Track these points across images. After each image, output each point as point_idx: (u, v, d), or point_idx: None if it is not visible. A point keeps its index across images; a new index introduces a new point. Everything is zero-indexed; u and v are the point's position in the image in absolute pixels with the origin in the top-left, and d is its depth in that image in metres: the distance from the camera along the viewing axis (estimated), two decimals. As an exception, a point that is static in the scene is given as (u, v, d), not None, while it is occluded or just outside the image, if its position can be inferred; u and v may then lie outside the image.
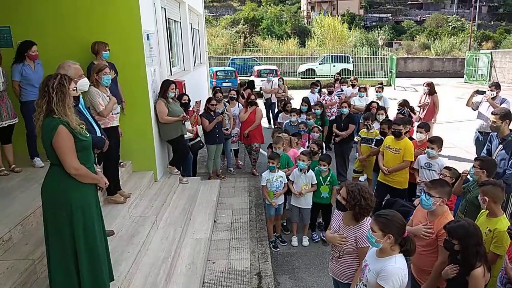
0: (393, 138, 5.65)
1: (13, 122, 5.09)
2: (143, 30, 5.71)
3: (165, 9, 8.14)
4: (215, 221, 5.85)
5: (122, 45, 5.64)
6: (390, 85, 23.97)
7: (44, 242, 3.04)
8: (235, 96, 8.50)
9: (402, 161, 5.49)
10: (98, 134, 4.00)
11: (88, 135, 3.01)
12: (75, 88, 3.06)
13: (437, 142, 5.35)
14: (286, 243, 5.62)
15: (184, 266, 4.49)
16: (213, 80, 18.84)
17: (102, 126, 4.64)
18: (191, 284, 4.20)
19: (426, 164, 5.41)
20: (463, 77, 25.93)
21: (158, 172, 6.27)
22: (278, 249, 5.46)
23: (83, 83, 3.72)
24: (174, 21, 9.54)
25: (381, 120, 6.65)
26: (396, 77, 24.50)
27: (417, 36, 44.07)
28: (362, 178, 7.36)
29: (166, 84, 6.18)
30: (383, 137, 6.10)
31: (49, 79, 2.85)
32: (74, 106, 3.02)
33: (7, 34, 5.58)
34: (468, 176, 4.50)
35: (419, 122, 7.01)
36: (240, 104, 8.51)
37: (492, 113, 5.23)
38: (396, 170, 5.51)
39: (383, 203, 5.33)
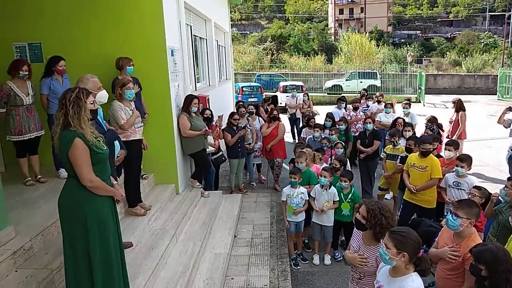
0: (417, 156, 5.46)
1: (40, 134, 5.21)
2: (167, 46, 5.80)
3: (190, 26, 8.27)
4: (235, 236, 5.78)
5: (147, 61, 5.74)
6: (419, 102, 23.54)
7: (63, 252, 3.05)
8: (253, 110, 8.44)
9: (430, 179, 5.29)
10: (118, 147, 4.05)
11: (105, 148, 3.02)
12: (92, 102, 3.10)
13: (466, 160, 5.14)
14: (307, 261, 5.48)
15: (202, 281, 4.42)
16: (239, 95, 18.98)
17: (124, 139, 4.73)
18: (208, 300, 4.13)
19: (454, 183, 5.20)
20: (495, 94, 25.17)
21: (180, 185, 6.29)
22: (298, 267, 5.33)
23: (102, 95, 3.79)
24: (200, 38, 9.68)
25: (407, 137, 6.47)
26: (425, 93, 24.03)
27: (447, 53, 43.27)
28: (388, 196, 7.16)
29: (189, 99, 6.24)
30: (408, 154, 5.92)
31: (68, 92, 2.90)
32: (92, 119, 3.05)
33: (38, 50, 5.80)
34: (500, 197, 4.29)
35: (448, 140, 6.78)
36: (260, 119, 8.51)
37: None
38: (425, 188, 5.31)
39: (409, 222, 5.14)
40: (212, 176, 7.07)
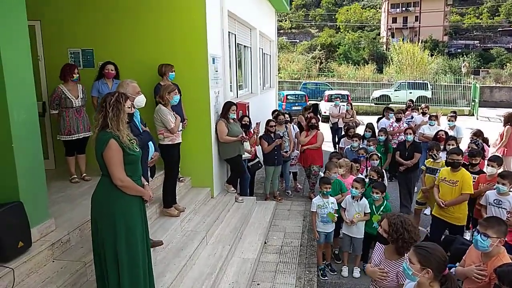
0: (448, 170, 5.27)
1: (88, 135, 5.55)
2: (209, 54, 6.02)
3: (235, 34, 8.49)
4: (265, 243, 5.83)
5: (188, 68, 5.99)
6: (473, 115, 22.45)
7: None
8: (286, 119, 8.37)
9: (460, 194, 5.10)
10: (152, 149, 4.27)
11: (138, 150, 3.20)
12: (130, 106, 3.30)
13: (508, 177, 4.87)
14: (335, 273, 5.42)
15: (228, 285, 4.51)
16: (283, 103, 19.07)
17: (170, 143, 4.98)
18: (232, 303, 4.22)
19: (495, 201, 4.94)
20: (559, 109, 23.48)
21: (215, 189, 6.46)
22: (326, 278, 5.29)
23: (140, 100, 3.99)
24: (244, 46, 9.88)
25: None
26: (480, 106, 22.87)
27: (507, 64, 40.95)
28: (427, 211, 6.92)
29: (227, 105, 6.42)
30: (448, 168, 5.72)
31: (108, 96, 3.11)
32: (128, 122, 3.25)
33: (90, 56, 6.22)
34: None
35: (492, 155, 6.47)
36: (295, 126, 8.54)
37: None
38: (454, 203, 5.11)
39: (442, 239, 4.96)
40: (247, 182, 7.18)
